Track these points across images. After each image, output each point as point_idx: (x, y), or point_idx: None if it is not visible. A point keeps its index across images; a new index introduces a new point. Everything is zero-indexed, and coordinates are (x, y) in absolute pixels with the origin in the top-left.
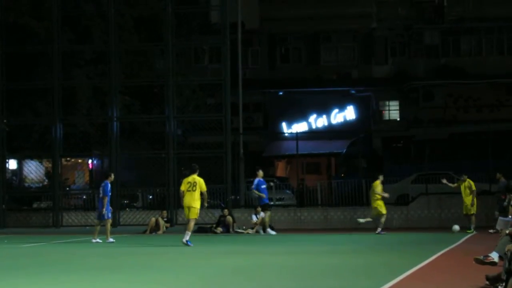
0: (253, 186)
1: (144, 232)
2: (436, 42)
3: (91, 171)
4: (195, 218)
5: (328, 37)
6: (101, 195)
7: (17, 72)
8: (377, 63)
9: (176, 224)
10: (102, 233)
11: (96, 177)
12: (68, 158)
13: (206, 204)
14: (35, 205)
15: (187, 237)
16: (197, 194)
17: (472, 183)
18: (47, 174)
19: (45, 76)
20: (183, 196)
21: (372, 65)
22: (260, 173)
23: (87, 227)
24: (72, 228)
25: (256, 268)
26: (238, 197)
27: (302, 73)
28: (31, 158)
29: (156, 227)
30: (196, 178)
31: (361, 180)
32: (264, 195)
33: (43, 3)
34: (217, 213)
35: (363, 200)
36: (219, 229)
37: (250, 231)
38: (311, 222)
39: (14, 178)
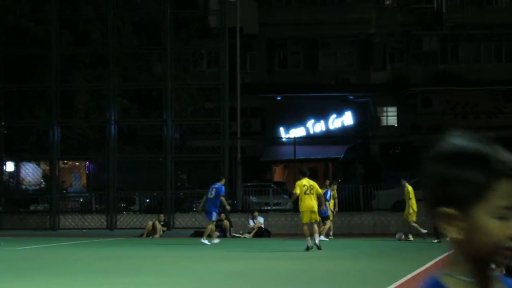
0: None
1: (141, 235)
2: (435, 49)
3: (88, 174)
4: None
5: (327, 42)
6: (211, 196)
7: (15, 75)
8: (375, 69)
9: (173, 228)
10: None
11: (93, 180)
12: (65, 161)
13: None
14: (32, 208)
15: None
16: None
17: (410, 189)
18: (45, 176)
19: (43, 79)
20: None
21: (370, 71)
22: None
23: (84, 230)
24: (69, 231)
25: (252, 273)
26: (235, 202)
27: (300, 78)
28: (29, 160)
29: (153, 230)
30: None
31: (358, 186)
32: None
33: (42, 6)
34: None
35: (360, 205)
36: (216, 234)
37: (247, 235)
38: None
39: (11, 180)
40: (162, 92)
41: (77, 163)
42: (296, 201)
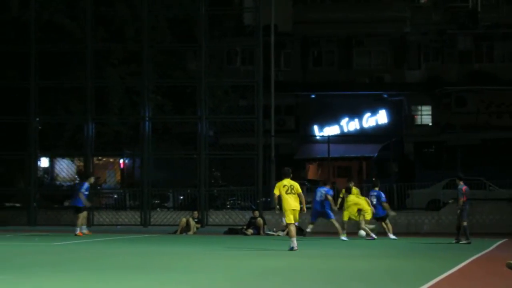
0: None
1: (175, 232)
2: (470, 48)
3: (122, 170)
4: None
5: (361, 41)
6: (321, 199)
7: (50, 71)
8: (410, 68)
9: (207, 225)
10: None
11: (128, 177)
12: (99, 157)
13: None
14: (66, 204)
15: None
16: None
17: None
18: (79, 172)
19: (78, 75)
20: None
21: (404, 69)
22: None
23: (118, 226)
24: (103, 227)
25: (287, 270)
26: (269, 199)
27: (334, 76)
28: (63, 156)
29: (187, 227)
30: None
31: (392, 185)
32: None
33: (77, 2)
34: (247, 215)
35: (394, 204)
36: (250, 231)
37: (280, 233)
38: (341, 225)
39: (45, 176)
40: (197, 89)
41: (111, 160)
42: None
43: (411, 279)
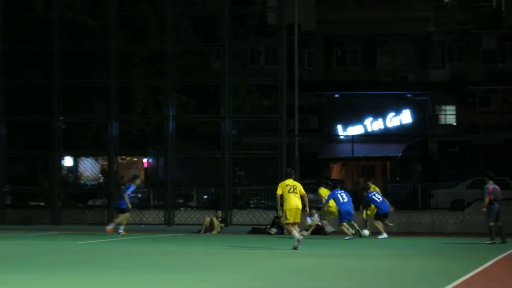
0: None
1: (199, 231)
2: (493, 47)
3: (146, 169)
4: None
5: (385, 40)
6: (345, 200)
7: (74, 70)
8: (433, 67)
9: (230, 224)
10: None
11: (151, 176)
12: (123, 157)
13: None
14: (90, 203)
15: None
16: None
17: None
18: (103, 172)
19: (102, 75)
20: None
21: (428, 69)
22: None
23: (142, 226)
24: (127, 226)
25: (312, 270)
26: None
27: (358, 75)
28: (87, 155)
29: (211, 227)
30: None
31: (416, 185)
32: None
33: (101, 2)
34: (271, 214)
35: (418, 204)
36: (274, 230)
37: (304, 233)
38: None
39: (69, 175)
40: (220, 89)
41: (135, 159)
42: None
43: (434, 279)
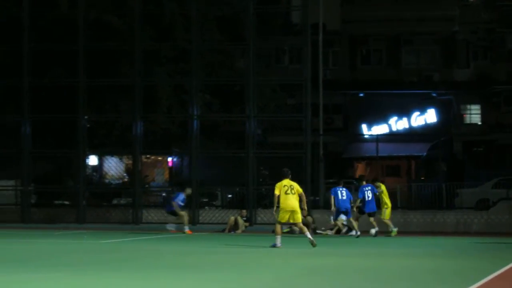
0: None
1: (223, 230)
2: None
3: (170, 168)
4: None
5: (410, 39)
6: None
7: (98, 69)
8: (458, 67)
9: (255, 223)
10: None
11: (176, 175)
12: (148, 156)
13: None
14: (114, 202)
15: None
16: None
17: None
18: (127, 171)
19: (126, 73)
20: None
21: (453, 68)
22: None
23: (167, 225)
24: (151, 225)
25: (333, 269)
26: (317, 198)
27: (382, 75)
28: (112, 154)
29: (235, 226)
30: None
31: (441, 184)
32: None
33: (125, 1)
34: None
35: (443, 203)
36: (297, 229)
37: (329, 232)
38: None
39: (94, 174)
40: (244, 88)
41: (159, 158)
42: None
43: (455, 279)
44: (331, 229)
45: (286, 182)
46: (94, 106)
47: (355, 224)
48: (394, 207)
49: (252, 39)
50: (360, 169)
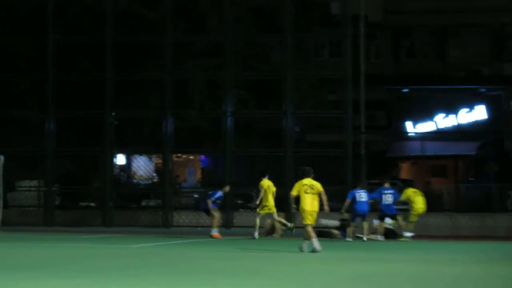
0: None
1: (259, 234)
2: None
3: (203, 168)
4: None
5: (457, 31)
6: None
7: (127, 63)
8: (509, 60)
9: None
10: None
11: (208, 175)
12: (179, 154)
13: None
14: (143, 203)
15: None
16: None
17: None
18: (157, 170)
19: (157, 68)
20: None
21: (503, 62)
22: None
23: (199, 228)
24: (182, 228)
25: (377, 276)
26: None
27: (428, 69)
28: (141, 153)
29: (272, 229)
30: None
31: (491, 185)
32: None
33: None
34: (336, 216)
35: (494, 206)
36: (337, 233)
37: (379, 237)
38: (437, 228)
39: (122, 174)
40: (281, 83)
41: (191, 157)
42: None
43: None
44: (373, 233)
45: (307, 181)
46: (122, 102)
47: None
48: (441, 210)
49: (290, 31)
50: (404, 169)
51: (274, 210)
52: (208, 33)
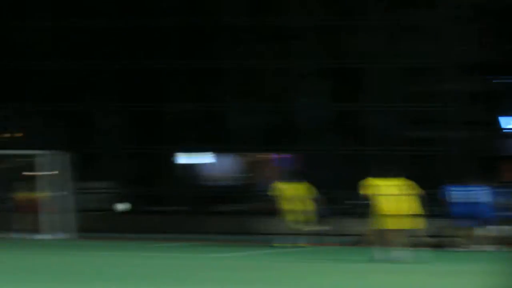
0: None
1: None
2: None
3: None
4: None
5: None
6: None
7: (190, 49)
8: None
9: None
10: None
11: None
12: (263, 153)
13: None
14: (224, 208)
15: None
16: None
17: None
18: (239, 171)
19: (221, 55)
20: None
21: None
22: None
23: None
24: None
25: None
26: None
27: None
28: (220, 152)
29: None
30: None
31: None
32: None
33: None
34: (434, 222)
35: None
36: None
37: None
38: None
39: (199, 175)
40: (366, 72)
41: (267, 156)
42: None
43: None
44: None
45: (386, 182)
46: (199, 95)
47: None
48: None
49: (375, 13)
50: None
51: None
52: (283, 17)
